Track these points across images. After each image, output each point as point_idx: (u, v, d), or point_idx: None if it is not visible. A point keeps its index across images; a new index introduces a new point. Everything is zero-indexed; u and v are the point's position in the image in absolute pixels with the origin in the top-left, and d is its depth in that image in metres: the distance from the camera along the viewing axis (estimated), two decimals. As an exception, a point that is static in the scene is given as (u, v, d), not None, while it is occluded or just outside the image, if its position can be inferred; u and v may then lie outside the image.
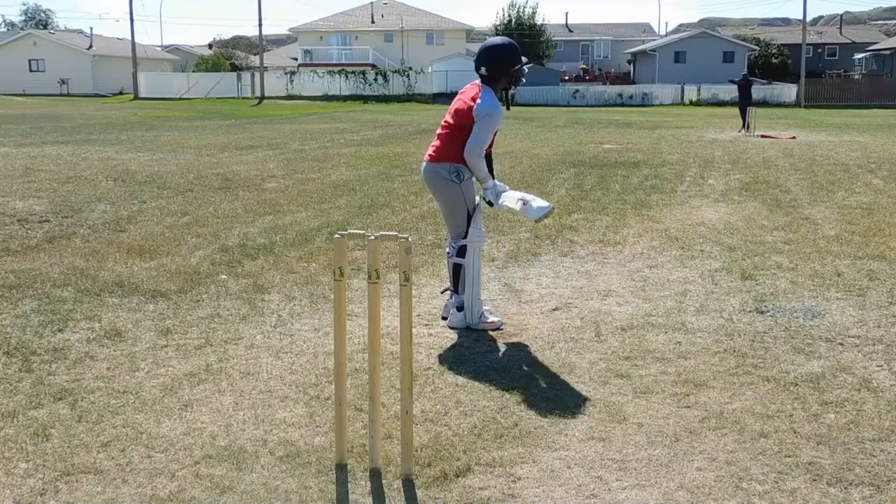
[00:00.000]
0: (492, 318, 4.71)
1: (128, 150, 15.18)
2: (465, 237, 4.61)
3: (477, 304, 4.65)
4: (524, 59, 4.63)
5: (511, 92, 4.72)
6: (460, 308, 4.66)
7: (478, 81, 4.59)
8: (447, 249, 4.78)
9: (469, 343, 4.45)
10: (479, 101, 4.45)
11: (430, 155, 4.64)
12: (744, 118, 21.96)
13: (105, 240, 7.05)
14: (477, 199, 4.69)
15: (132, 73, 50.41)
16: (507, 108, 4.67)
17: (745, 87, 22.38)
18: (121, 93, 53.13)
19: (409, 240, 2.88)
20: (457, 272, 4.64)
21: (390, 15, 61.16)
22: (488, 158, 4.72)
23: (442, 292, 5.03)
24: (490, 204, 4.68)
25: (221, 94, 48.98)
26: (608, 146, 16.77)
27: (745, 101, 22.21)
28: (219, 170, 12.20)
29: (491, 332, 4.61)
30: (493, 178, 4.65)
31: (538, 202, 4.57)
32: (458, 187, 4.54)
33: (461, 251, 4.61)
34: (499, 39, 4.66)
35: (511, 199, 4.63)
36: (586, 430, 3.35)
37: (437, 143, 4.64)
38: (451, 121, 4.57)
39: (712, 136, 19.99)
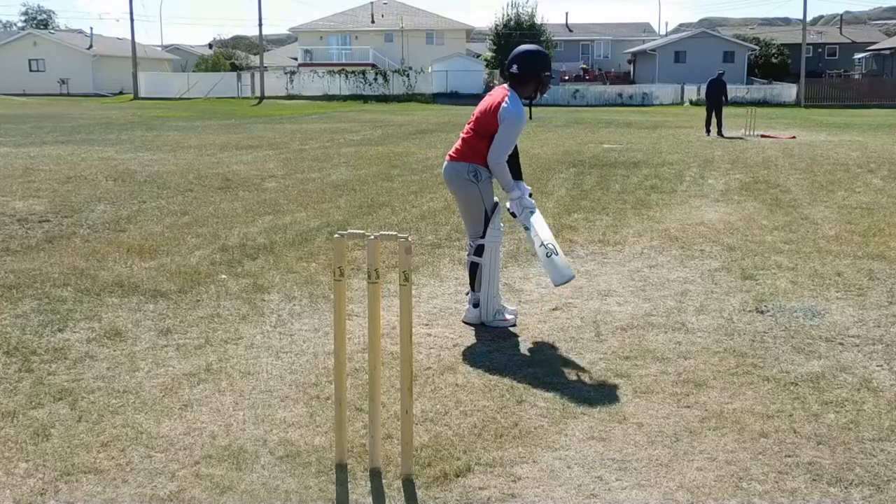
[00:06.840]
0: (508, 316, 4.77)
1: (128, 150, 15.18)
2: (482, 237, 4.66)
3: (493, 303, 4.71)
4: (551, 71, 4.76)
5: (533, 102, 4.77)
6: (476, 304, 4.73)
7: (506, 85, 4.65)
8: (468, 248, 4.84)
9: (469, 343, 4.46)
10: (505, 103, 4.51)
11: (450, 154, 4.72)
12: (709, 121, 20.36)
13: (105, 240, 7.05)
14: (496, 198, 4.72)
15: (132, 73, 50.42)
16: (530, 118, 4.73)
17: (716, 86, 20.37)
18: (121, 93, 53.11)
19: (409, 240, 2.88)
20: (474, 270, 4.71)
21: (390, 15, 61.14)
22: (514, 158, 4.74)
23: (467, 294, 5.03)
24: (514, 215, 4.69)
25: (221, 94, 48.97)
26: (608, 146, 16.77)
27: (713, 103, 20.35)
28: (219, 170, 12.19)
29: (490, 333, 4.61)
30: (521, 179, 4.71)
31: (562, 263, 4.52)
32: (475, 187, 4.59)
33: (479, 250, 4.66)
34: (533, 45, 4.82)
35: (540, 228, 4.59)
36: (586, 430, 3.35)
37: (459, 143, 4.70)
38: (474, 122, 4.64)
39: (712, 136, 19.98)
